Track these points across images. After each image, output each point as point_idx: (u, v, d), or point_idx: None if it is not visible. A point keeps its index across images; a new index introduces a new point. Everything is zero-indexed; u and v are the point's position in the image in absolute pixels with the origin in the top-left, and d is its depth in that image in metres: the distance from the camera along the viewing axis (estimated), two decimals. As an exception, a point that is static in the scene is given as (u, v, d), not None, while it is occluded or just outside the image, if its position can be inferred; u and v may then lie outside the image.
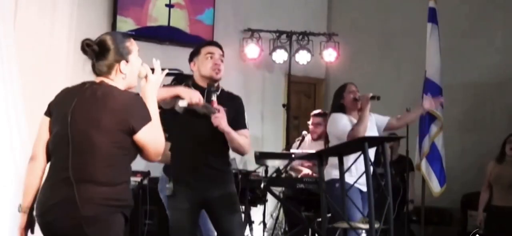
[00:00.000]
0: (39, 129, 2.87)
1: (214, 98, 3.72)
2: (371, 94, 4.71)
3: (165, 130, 2.83)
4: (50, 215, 2.57)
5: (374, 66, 8.12)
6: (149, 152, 2.65)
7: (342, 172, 4.37)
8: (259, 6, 8.08)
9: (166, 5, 7.15)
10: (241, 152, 3.89)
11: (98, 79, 2.73)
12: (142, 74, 2.78)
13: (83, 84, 2.74)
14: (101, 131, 2.58)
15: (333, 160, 4.67)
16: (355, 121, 4.75)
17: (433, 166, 6.15)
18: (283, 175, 5.70)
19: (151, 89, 2.75)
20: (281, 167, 5.58)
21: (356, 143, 4.38)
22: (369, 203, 4.12)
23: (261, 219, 6.47)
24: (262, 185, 5.64)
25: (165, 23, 7.16)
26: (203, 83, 3.79)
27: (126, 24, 6.84)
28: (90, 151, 2.58)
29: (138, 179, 6.11)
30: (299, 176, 5.98)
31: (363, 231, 4.37)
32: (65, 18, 5.71)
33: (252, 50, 7.72)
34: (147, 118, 2.63)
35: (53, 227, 2.58)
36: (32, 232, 2.77)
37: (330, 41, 7.90)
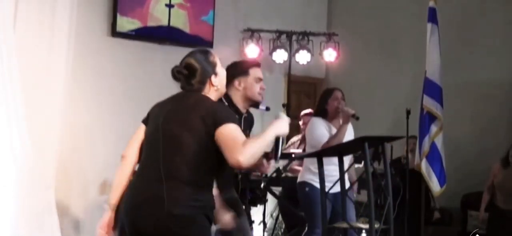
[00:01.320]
0: (134, 134, 2.98)
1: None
2: (352, 112, 4.71)
3: None
4: (138, 210, 2.67)
5: (374, 66, 8.12)
6: (226, 151, 2.63)
7: (342, 172, 4.37)
8: (259, 6, 8.08)
9: (166, 5, 7.15)
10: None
11: (197, 92, 2.88)
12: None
13: (177, 94, 2.90)
14: (190, 133, 2.70)
15: (309, 164, 4.71)
16: (334, 129, 4.77)
17: (433, 166, 6.15)
18: (283, 175, 5.71)
19: (278, 126, 2.81)
20: (281, 167, 5.58)
21: (356, 143, 4.38)
22: (369, 203, 4.12)
23: (261, 219, 6.48)
24: (262, 185, 5.65)
25: (166, 23, 7.16)
26: (243, 103, 3.75)
27: (126, 24, 6.83)
28: (180, 152, 2.69)
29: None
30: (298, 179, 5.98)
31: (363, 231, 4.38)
32: (65, 18, 5.71)
33: (252, 50, 7.71)
34: (228, 119, 2.70)
35: (139, 222, 2.67)
36: (114, 229, 2.89)
37: (330, 41, 7.90)
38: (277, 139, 2.94)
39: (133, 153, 2.90)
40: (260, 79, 3.82)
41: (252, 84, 3.77)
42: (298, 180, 4.88)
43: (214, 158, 2.70)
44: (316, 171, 4.50)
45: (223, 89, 2.95)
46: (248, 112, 3.85)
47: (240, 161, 2.59)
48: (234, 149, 2.60)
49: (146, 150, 2.83)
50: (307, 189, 4.72)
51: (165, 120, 2.78)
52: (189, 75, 2.86)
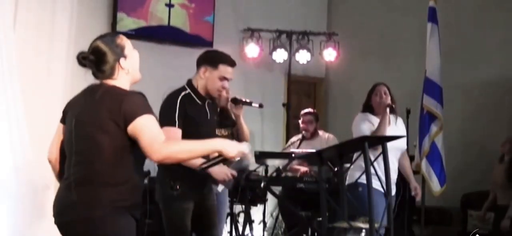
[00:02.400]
0: (54, 134, 2.97)
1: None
2: (388, 102, 4.72)
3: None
4: (64, 216, 2.65)
5: (374, 66, 8.11)
6: (142, 144, 2.56)
7: (342, 172, 4.36)
8: (259, 6, 8.08)
9: (166, 5, 7.15)
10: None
11: (99, 82, 2.75)
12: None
13: (86, 88, 2.78)
14: (101, 131, 2.60)
15: (362, 163, 4.61)
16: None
17: (433, 166, 6.15)
18: (283, 175, 5.70)
19: (222, 145, 2.70)
20: (281, 167, 5.58)
21: (356, 143, 4.38)
22: (369, 203, 4.12)
23: (261, 218, 6.48)
24: (262, 185, 5.64)
25: (166, 23, 7.16)
26: (204, 92, 3.82)
27: (126, 23, 6.84)
28: (92, 153, 2.61)
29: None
30: (298, 175, 5.98)
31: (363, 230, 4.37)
32: (65, 18, 5.71)
33: (252, 49, 7.72)
34: (138, 112, 2.58)
35: (67, 227, 2.65)
36: None
37: (330, 41, 7.90)
38: (221, 159, 2.75)
39: (56, 155, 2.92)
40: (224, 78, 3.83)
41: (214, 79, 3.80)
42: (348, 181, 4.69)
43: (131, 153, 2.63)
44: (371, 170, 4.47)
45: (136, 75, 2.81)
46: (212, 98, 3.89)
47: (156, 159, 2.57)
48: (151, 146, 2.54)
49: (65, 155, 2.76)
50: (360, 189, 4.61)
51: (76, 121, 2.69)
52: (97, 61, 2.72)
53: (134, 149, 2.63)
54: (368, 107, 4.88)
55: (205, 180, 3.82)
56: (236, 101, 4.82)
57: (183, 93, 3.78)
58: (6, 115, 5.10)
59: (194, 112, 3.75)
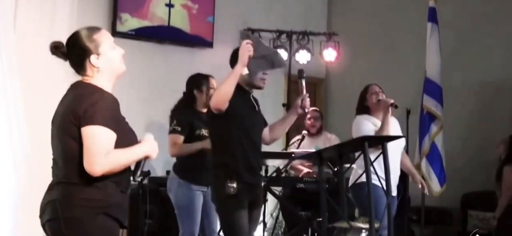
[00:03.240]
0: None
1: (304, 82, 4.01)
2: (391, 101, 4.72)
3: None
4: (43, 217, 2.63)
5: (374, 66, 8.11)
6: (84, 155, 2.48)
7: (342, 172, 4.37)
8: (259, 6, 8.08)
9: (166, 5, 7.15)
10: (277, 139, 4.15)
11: (78, 80, 2.70)
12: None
13: (68, 89, 2.73)
14: (66, 133, 2.56)
15: (359, 161, 4.63)
16: (379, 123, 4.75)
17: (433, 166, 6.16)
18: (283, 175, 5.70)
19: (147, 150, 2.66)
20: (281, 167, 5.58)
21: (356, 143, 4.38)
22: (369, 202, 4.12)
23: (261, 218, 6.47)
24: (262, 185, 5.64)
25: (166, 23, 7.16)
26: (247, 86, 3.87)
27: (126, 23, 6.83)
28: (63, 154, 2.59)
29: (138, 179, 6.11)
30: (300, 175, 5.98)
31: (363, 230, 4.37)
32: (65, 18, 5.71)
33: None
34: (92, 119, 2.49)
35: (46, 227, 2.62)
36: None
37: (330, 41, 7.89)
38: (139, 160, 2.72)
39: None
40: None
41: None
42: (352, 181, 4.74)
43: None
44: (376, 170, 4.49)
45: (114, 69, 2.69)
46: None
47: (95, 172, 2.47)
48: (92, 157, 2.46)
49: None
50: (366, 189, 4.62)
51: (52, 125, 2.67)
52: (69, 54, 2.65)
53: None
54: (364, 108, 4.86)
55: (257, 177, 3.87)
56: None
57: None
58: (6, 115, 5.10)
59: (240, 106, 3.78)
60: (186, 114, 4.71)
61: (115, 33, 6.73)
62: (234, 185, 3.68)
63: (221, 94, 3.66)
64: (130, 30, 6.83)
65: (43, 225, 2.64)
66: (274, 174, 5.64)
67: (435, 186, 6.16)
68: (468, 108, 7.10)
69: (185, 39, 7.23)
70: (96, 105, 2.52)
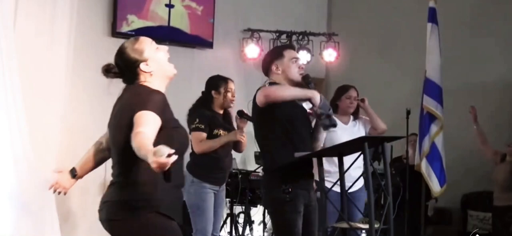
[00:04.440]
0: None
1: (312, 86, 3.82)
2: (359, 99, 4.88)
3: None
4: (101, 214, 2.73)
5: (374, 66, 8.12)
6: (132, 132, 2.49)
7: (342, 172, 4.36)
8: (259, 6, 8.08)
9: (166, 5, 7.15)
10: (316, 149, 4.02)
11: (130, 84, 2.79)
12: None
13: (121, 93, 2.83)
14: (120, 133, 2.63)
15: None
16: (343, 125, 4.84)
17: (433, 166, 6.15)
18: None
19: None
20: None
21: (356, 143, 4.38)
22: (369, 202, 4.12)
23: (261, 219, 6.48)
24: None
25: (166, 23, 7.16)
26: (289, 84, 3.82)
27: (126, 23, 6.83)
28: (117, 154, 2.68)
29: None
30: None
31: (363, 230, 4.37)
32: (65, 18, 5.71)
33: (252, 50, 7.71)
34: (145, 106, 2.55)
35: (104, 225, 2.73)
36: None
37: (330, 41, 7.90)
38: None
39: (104, 141, 3.01)
40: (295, 59, 3.87)
41: (288, 65, 3.83)
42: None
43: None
44: (329, 169, 4.52)
45: (164, 71, 2.78)
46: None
47: (134, 142, 2.46)
48: (137, 127, 2.49)
49: None
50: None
51: (108, 126, 2.78)
52: (120, 71, 2.77)
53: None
54: (334, 106, 4.90)
55: (310, 180, 3.84)
56: (241, 115, 4.82)
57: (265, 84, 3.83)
58: (6, 115, 5.10)
59: (287, 107, 3.74)
60: (206, 113, 4.77)
61: (114, 33, 6.74)
62: (290, 189, 3.63)
63: (279, 94, 3.61)
64: (130, 31, 6.83)
65: (101, 222, 2.73)
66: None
67: (435, 186, 6.16)
68: (468, 108, 7.09)
69: (185, 39, 7.23)
70: (147, 98, 2.60)
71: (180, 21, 7.24)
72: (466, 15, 7.36)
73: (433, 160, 6.15)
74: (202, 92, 4.97)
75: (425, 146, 6.14)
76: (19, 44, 5.32)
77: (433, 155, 6.14)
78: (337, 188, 4.45)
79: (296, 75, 3.83)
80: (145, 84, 2.73)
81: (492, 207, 6.12)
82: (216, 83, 4.91)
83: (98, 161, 3.05)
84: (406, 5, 7.90)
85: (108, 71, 2.77)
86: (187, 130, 4.78)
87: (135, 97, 2.64)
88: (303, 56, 7.75)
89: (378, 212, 5.46)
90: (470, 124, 6.65)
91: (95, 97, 6.47)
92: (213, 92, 4.88)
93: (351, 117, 4.96)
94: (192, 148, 4.77)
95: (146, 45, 2.78)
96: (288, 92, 3.66)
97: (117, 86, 2.88)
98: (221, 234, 5.83)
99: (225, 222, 6.04)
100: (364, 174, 4.17)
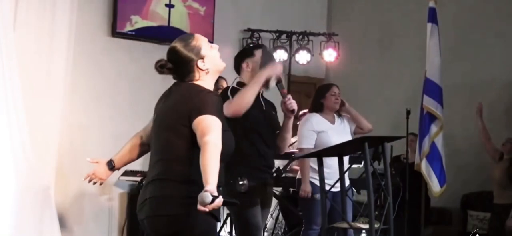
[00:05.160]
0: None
1: (280, 87, 3.85)
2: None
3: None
4: (141, 213, 2.69)
5: (374, 66, 8.12)
6: (201, 131, 2.52)
7: (342, 172, 4.37)
8: (259, 6, 8.08)
9: (166, 5, 7.15)
10: (284, 148, 4.01)
11: (181, 82, 2.81)
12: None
13: (171, 86, 2.84)
14: (173, 130, 2.64)
15: (310, 161, 4.76)
16: (329, 123, 4.86)
17: (433, 166, 6.15)
18: (283, 175, 5.70)
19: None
20: (281, 167, 5.57)
21: (356, 143, 4.38)
22: (369, 202, 4.12)
23: (261, 219, 6.46)
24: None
25: (166, 23, 7.16)
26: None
27: (126, 23, 6.83)
28: (166, 152, 2.66)
29: (138, 179, 6.11)
30: (297, 177, 5.98)
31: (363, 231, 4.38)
32: (65, 19, 5.71)
33: (252, 50, 7.71)
34: (207, 110, 2.57)
35: (145, 223, 2.69)
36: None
37: (330, 41, 7.90)
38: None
39: (143, 135, 2.97)
40: None
41: (258, 64, 3.85)
42: (297, 176, 4.94)
43: (194, 149, 2.59)
44: (316, 167, 4.53)
45: (217, 68, 2.84)
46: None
47: (210, 140, 2.50)
48: (208, 129, 2.52)
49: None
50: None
51: (155, 121, 2.77)
52: (175, 67, 2.79)
53: (196, 145, 2.59)
54: (319, 105, 4.92)
55: (266, 175, 3.86)
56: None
57: (231, 87, 3.84)
58: (6, 115, 5.10)
59: (253, 115, 3.77)
60: None
61: (114, 33, 6.74)
62: (245, 182, 3.67)
63: (244, 102, 3.65)
64: (130, 31, 6.83)
65: (141, 220, 2.70)
66: (274, 174, 5.64)
67: (435, 186, 6.15)
68: (468, 109, 7.09)
69: (185, 39, 7.23)
70: (204, 100, 2.62)
71: (180, 21, 7.24)
72: (466, 14, 7.36)
73: (433, 160, 6.14)
74: None
75: (425, 146, 6.14)
76: (19, 44, 5.32)
77: (433, 155, 6.13)
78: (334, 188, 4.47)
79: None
80: (198, 81, 2.76)
81: (492, 205, 6.14)
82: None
83: (139, 154, 3.01)
84: (406, 5, 7.89)
85: (163, 67, 2.79)
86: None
87: (191, 98, 2.65)
88: (303, 56, 7.76)
89: (378, 212, 5.46)
90: (470, 124, 6.65)
91: (95, 97, 6.48)
92: None
93: (335, 115, 4.96)
94: None
95: (203, 42, 2.82)
96: (250, 93, 3.67)
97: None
98: (221, 234, 5.83)
99: (225, 222, 6.03)
100: (364, 174, 4.17)
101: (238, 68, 3.95)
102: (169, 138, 2.65)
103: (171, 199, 2.60)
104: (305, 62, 7.81)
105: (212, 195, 2.37)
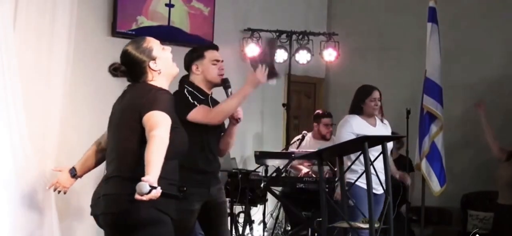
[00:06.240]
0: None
1: (229, 91, 3.85)
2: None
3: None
4: (94, 209, 2.78)
5: (374, 66, 8.12)
6: (149, 127, 2.58)
7: (342, 172, 4.37)
8: (259, 6, 8.08)
9: (166, 5, 7.15)
10: (226, 152, 4.03)
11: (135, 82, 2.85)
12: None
13: (125, 89, 2.91)
14: (125, 127, 2.70)
15: (347, 161, 4.68)
16: (369, 125, 4.83)
17: (433, 166, 6.15)
18: (283, 175, 5.71)
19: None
20: (281, 167, 5.58)
21: (356, 143, 4.38)
22: (369, 202, 4.12)
23: (261, 218, 6.48)
24: (262, 185, 5.64)
25: (166, 23, 7.16)
26: (205, 87, 3.84)
27: (126, 24, 6.83)
28: (118, 148, 2.73)
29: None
30: (299, 175, 5.98)
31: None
32: (65, 18, 5.70)
33: (252, 49, 7.71)
34: (157, 106, 2.63)
35: (99, 219, 2.78)
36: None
37: (330, 41, 7.90)
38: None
39: (102, 141, 3.12)
40: (216, 61, 3.86)
41: (208, 66, 3.84)
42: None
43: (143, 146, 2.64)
44: (356, 168, 4.52)
45: (170, 70, 2.88)
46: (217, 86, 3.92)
47: (158, 133, 2.57)
48: (156, 124, 2.59)
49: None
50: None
51: (109, 121, 2.85)
52: (128, 70, 2.85)
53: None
54: (359, 109, 4.90)
55: (212, 180, 3.82)
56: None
57: (185, 90, 3.80)
58: (6, 115, 5.10)
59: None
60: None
61: (114, 33, 6.73)
62: (185, 188, 3.67)
63: (224, 114, 3.67)
64: (130, 31, 6.82)
65: (96, 216, 2.77)
66: (274, 174, 5.64)
67: (435, 186, 6.16)
68: (468, 108, 7.09)
69: (185, 39, 7.22)
70: (155, 97, 2.68)
71: (180, 21, 7.23)
72: (466, 14, 7.36)
73: (433, 160, 6.15)
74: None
75: (425, 146, 6.14)
76: (19, 44, 5.32)
77: (433, 155, 6.14)
78: (363, 185, 4.43)
79: (215, 77, 3.85)
80: (152, 82, 2.81)
81: (494, 205, 6.06)
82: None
83: (97, 161, 3.13)
84: (406, 5, 7.89)
85: (116, 70, 2.84)
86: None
87: (143, 96, 2.71)
88: (303, 56, 7.76)
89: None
90: (470, 124, 6.66)
91: (95, 97, 6.47)
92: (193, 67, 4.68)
93: (377, 118, 4.92)
94: None
95: (155, 44, 2.88)
96: (232, 107, 3.68)
97: (118, 86, 2.89)
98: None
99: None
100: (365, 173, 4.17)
101: (188, 68, 3.90)
102: (121, 136, 2.71)
103: (120, 196, 2.65)
104: (305, 62, 7.80)
105: (150, 186, 2.41)
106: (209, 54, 3.87)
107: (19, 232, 5.13)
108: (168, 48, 2.92)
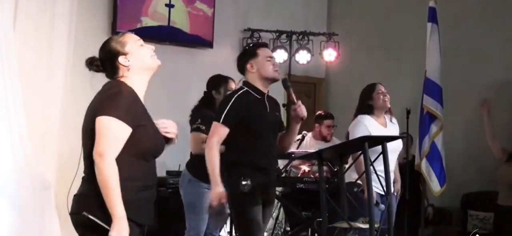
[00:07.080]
0: None
1: (291, 90, 3.97)
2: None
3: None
4: (70, 208, 2.71)
5: (374, 66, 8.11)
6: (96, 143, 2.53)
7: (342, 172, 4.36)
8: (259, 6, 8.07)
9: (166, 5, 7.14)
10: (288, 149, 4.14)
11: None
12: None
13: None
14: (87, 127, 2.64)
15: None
16: (381, 127, 4.79)
17: (433, 166, 6.15)
18: (283, 175, 5.70)
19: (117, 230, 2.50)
20: (281, 167, 5.57)
21: (356, 143, 4.38)
22: (368, 202, 4.12)
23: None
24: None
25: (166, 23, 7.15)
26: (261, 85, 3.92)
27: (126, 23, 6.83)
28: (85, 149, 2.68)
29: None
30: (299, 174, 5.98)
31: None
32: (65, 18, 5.71)
33: (252, 50, 7.71)
34: (104, 111, 2.54)
35: (71, 219, 2.71)
36: None
37: (330, 41, 7.90)
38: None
39: None
40: (270, 57, 3.95)
41: (263, 63, 3.90)
42: (347, 180, 4.72)
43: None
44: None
45: (144, 64, 2.78)
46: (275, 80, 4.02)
47: (96, 161, 2.50)
48: (98, 147, 2.52)
49: None
50: (355, 189, 4.67)
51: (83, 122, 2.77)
52: (103, 65, 2.77)
53: (127, 146, 2.57)
54: (367, 107, 4.86)
55: (270, 179, 3.92)
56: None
57: (239, 92, 3.89)
58: (6, 115, 5.10)
59: (253, 108, 3.85)
60: (208, 114, 4.76)
61: (115, 33, 6.73)
62: (248, 182, 3.70)
63: (207, 161, 3.78)
64: (130, 30, 6.80)
65: (70, 215, 2.71)
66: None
67: (435, 186, 6.16)
68: (468, 108, 7.09)
69: (185, 39, 7.23)
70: (111, 97, 2.58)
71: (180, 21, 7.23)
72: (466, 14, 7.36)
73: (433, 160, 6.15)
74: (205, 92, 4.97)
75: (425, 146, 6.14)
76: (19, 44, 5.32)
77: (433, 155, 6.14)
78: (379, 190, 4.42)
79: (271, 73, 3.92)
80: (122, 79, 2.71)
81: (494, 206, 6.04)
82: (217, 83, 4.92)
83: None
84: (406, 5, 7.89)
85: (91, 63, 2.76)
86: (190, 128, 4.80)
87: (100, 95, 2.64)
88: (303, 56, 7.76)
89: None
90: (470, 124, 6.66)
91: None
92: (213, 92, 4.88)
93: (385, 117, 4.89)
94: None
95: (130, 39, 2.80)
96: (209, 166, 3.78)
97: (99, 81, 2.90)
98: (221, 234, 5.82)
99: (225, 222, 6.03)
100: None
101: (242, 69, 3.98)
102: (86, 136, 2.65)
103: (86, 198, 2.61)
104: (305, 62, 7.80)
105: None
106: (262, 52, 3.94)
107: (19, 231, 5.13)
108: (149, 46, 2.85)
